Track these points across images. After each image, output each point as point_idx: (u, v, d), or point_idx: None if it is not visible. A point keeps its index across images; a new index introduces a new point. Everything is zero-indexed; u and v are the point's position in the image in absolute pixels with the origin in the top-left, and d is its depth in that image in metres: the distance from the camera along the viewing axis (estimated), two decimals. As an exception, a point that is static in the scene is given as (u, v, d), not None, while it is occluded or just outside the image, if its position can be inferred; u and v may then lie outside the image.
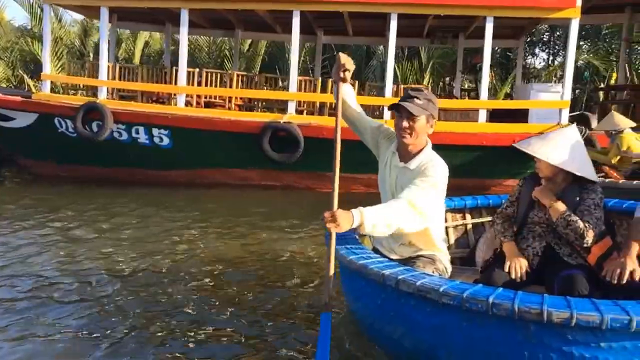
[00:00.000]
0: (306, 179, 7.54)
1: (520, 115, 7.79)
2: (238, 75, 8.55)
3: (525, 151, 2.44)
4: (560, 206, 2.36)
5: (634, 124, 5.84)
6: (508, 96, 13.77)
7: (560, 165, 2.38)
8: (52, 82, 8.38)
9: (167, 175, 7.75)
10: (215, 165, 7.65)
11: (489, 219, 3.34)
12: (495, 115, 7.73)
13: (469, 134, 7.30)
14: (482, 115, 7.58)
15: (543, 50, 16.72)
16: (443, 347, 1.90)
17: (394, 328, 2.03)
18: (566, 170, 2.40)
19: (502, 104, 8.53)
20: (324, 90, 8.07)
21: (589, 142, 6.99)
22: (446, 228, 3.24)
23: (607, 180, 5.16)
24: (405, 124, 2.34)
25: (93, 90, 8.53)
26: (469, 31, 9.94)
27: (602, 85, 13.52)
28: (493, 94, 14.11)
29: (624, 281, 2.17)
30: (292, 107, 7.68)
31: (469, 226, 3.37)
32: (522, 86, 10.06)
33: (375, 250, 2.52)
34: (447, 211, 3.25)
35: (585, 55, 14.32)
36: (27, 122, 7.71)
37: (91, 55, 15.18)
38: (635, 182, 4.99)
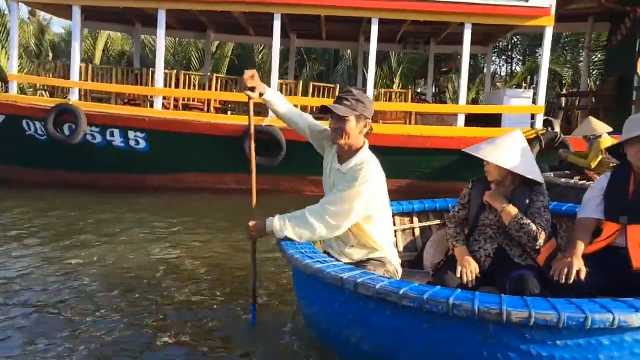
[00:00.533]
0: (289, 182, 7.48)
1: (494, 120, 7.99)
2: (217, 78, 8.40)
3: (477, 156, 2.44)
4: (512, 210, 2.38)
5: (610, 129, 6.05)
6: (474, 101, 14.07)
7: (512, 169, 2.40)
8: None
9: (144, 180, 7.55)
10: (194, 169, 7.50)
11: (437, 222, 3.39)
12: (469, 120, 7.94)
13: (449, 137, 7.45)
14: (461, 120, 7.75)
15: (500, 57, 17.25)
16: (403, 350, 1.87)
17: (352, 332, 1.98)
18: (515, 173, 2.42)
19: (481, 109, 8.68)
20: (305, 93, 8.09)
21: (563, 146, 7.30)
22: (395, 231, 3.25)
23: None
24: (336, 125, 2.38)
25: (62, 92, 8.25)
26: (440, 37, 10.13)
27: (564, 92, 13.93)
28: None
29: (571, 281, 2.20)
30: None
31: (417, 230, 3.39)
32: (494, 92, 10.29)
33: (327, 255, 2.49)
34: (395, 215, 3.27)
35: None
36: None
37: (50, 55, 14.69)
38: None
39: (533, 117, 7.96)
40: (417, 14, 7.64)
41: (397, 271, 2.48)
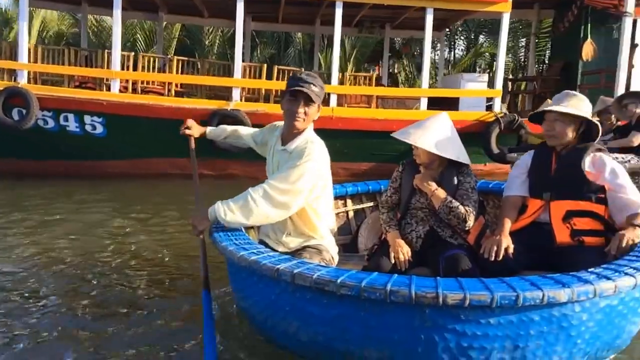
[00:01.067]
0: (253, 168, 7.41)
1: (452, 103, 8.16)
2: (178, 61, 8.12)
3: (407, 141, 2.46)
4: (441, 193, 2.43)
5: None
6: (430, 86, 14.43)
7: (441, 153, 2.43)
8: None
9: (101, 167, 7.21)
10: (155, 154, 7.22)
11: (370, 204, 3.43)
12: (428, 103, 8.14)
13: (413, 120, 7.48)
14: (424, 103, 7.96)
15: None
16: (341, 339, 1.85)
17: (289, 323, 1.95)
18: (441, 156, 2.46)
19: (443, 92, 8.77)
20: (269, 77, 8.02)
21: (521, 128, 7.72)
22: None
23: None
24: (301, 109, 2.33)
25: (8, 75, 7.68)
26: (396, 22, 10.26)
27: (509, 77, 14.48)
28: (412, 83, 14.65)
29: (500, 257, 2.27)
30: (237, 94, 7.56)
31: (351, 213, 3.41)
32: (450, 76, 10.66)
33: (263, 244, 2.45)
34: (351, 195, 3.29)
35: (489, 48, 15.40)
36: None
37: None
38: None
39: (489, 100, 8.31)
40: None
41: (333, 258, 2.47)
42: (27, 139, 6.88)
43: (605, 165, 2.43)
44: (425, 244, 2.51)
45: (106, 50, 7.84)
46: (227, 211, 2.21)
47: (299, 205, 2.30)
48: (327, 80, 8.17)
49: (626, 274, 1.82)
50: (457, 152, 2.49)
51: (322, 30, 11.14)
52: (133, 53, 8.09)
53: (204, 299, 2.16)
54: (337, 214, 3.38)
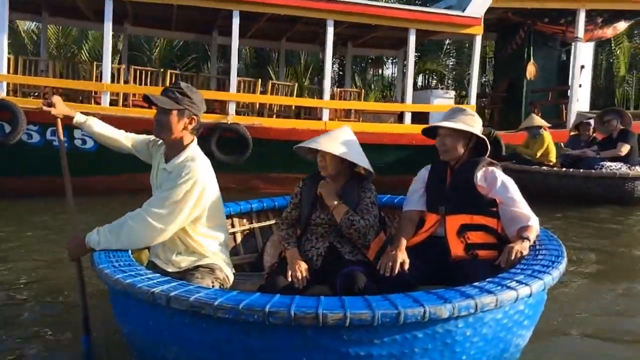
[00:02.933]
0: (253, 180, 7.44)
1: (422, 118, 8.63)
2: (171, 74, 8.00)
3: (314, 147, 2.45)
4: (343, 207, 2.41)
5: (548, 124, 7.45)
6: (381, 100, 15.23)
7: (351, 159, 2.43)
8: None
9: (88, 182, 6.68)
10: (148, 169, 6.79)
11: (275, 221, 3.36)
12: (400, 118, 8.64)
13: (401, 134, 8.08)
14: (408, 117, 8.46)
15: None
16: (223, 364, 1.73)
17: (168, 350, 1.81)
18: (345, 166, 2.48)
19: (424, 107, 9.12)
20: (263, 91, 8.25)
21: (496, 140, 8.16)
22: (234, 233, 3.19)
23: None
24: (156, 117, 2.26)
25: None
26: (359, 41, 10.72)
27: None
28: (366, 99, 15.24)
29: (395, 272, 2.26)
30: (232, 107, 7.63)
31: (257, 230, 3.33)
32: (420, 92, 11.13)
33: (152, 265, 2.31)
34: (233, 216, 3.22)
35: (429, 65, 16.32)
36: None
37: None
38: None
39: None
40: (376, 19, 8.21)
41: (227, 278, 2.36)
42: (6, 155, 6.48)
43: (496, 179, 2.48)
44: (325, 261, 2.46)
45: (95, 63, 7.65)
46: (102, 239, 2.12)
47: (178, 227, 2.21)
48: (319, 95, 8.57)
49: (508, 287, 1.83)
50: (364, 160, 2.51)
51: (287, 46, 11.63)
52: (124, 66, 7.97)
53: (83, 345, 1.97)
54: (242, 232, 3.30)
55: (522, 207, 2.44)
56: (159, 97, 2.21)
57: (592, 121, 7.37)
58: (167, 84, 7.73)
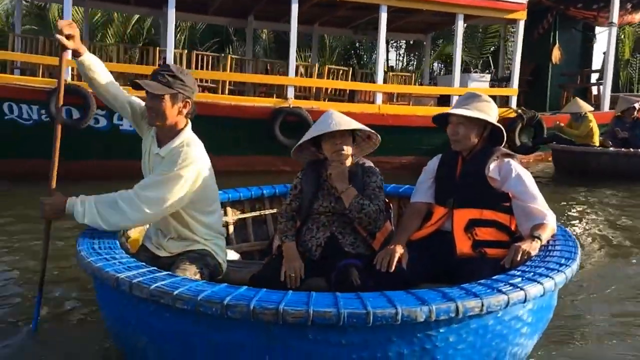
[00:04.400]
0: None
1: (446, 101, 8.94)
2: (232, 59, 8.22)
3: (341, 129, 2.27)
4: (353, 191, 2.28)
5: (592, 108, 8.00)
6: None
7: (375, 134, 2.37)
8: None
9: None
10: (214, 152, 7.10)
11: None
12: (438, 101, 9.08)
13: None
14: (455, 101, 8.85)
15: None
16: (188, 356, 1.66)
17: (137, 338, 1.77)
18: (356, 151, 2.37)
19: (478, 90, 9.51)
20: (320, 75, 8.54)
21: (539, 123, 8.69)
22: (244, 219, 3.11)
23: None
24: (149, 104, 2.16)
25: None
26: (392, 25, 10.75)
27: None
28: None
29: (392, 268, 2.10)
30: (291, 92, 7.80)
31: (269, 217, 3.24)
32: (449, 76, 11.46)
33: (144, 249, 2.27)
34: (245, 202, 3.15)
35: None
36: None
37: None
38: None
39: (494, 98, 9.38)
40: (426, 4, 8.47)
41: (220, 264, 2.29)
42: (71, 139, 6.75)
43: (511, 172, 2.26)
44: (324, 252, 2.34)
45: (158, 48, 7.90)
46: (87, 212, 2.05)
47: (168, 213, 2.15)
48: (372, 79, 8.86)
49: (498, 290, 1.64)
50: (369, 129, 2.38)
51: (321, 30, 11.79)
52: (186, 51, 8.15)
53: (37, 301, 1.97)
54: (253, 218, 3.23)
55: (538, 202, 2.21)
56: (149, 82, 2.11)
57: (637, 105, 7.79)
58: (227, 70, 8.16)
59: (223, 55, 8.75)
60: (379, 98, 8.31)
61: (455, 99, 8.36)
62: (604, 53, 9.88)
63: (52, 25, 13.71)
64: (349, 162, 2.35)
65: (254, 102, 7.65)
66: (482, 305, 1.57)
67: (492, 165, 2.27)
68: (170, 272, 1.78)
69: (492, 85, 10.39)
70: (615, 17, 9.12)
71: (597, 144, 7.74)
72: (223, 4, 9.44)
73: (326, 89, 8.40)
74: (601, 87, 9.87)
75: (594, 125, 7.69)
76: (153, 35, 14.90)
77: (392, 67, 17.06)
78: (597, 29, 10.59)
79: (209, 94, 7.55)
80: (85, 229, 2.14)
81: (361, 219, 2.26)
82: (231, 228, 3.17)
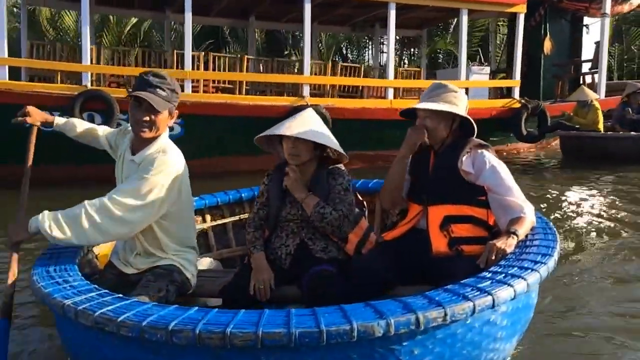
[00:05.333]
0: None
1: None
2: (248, 59, 8.50)
3: (286, 134, 2.16)
4: (312, 199, 2.17)
5: (597, 96, 8.57)
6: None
7: (328, 144, 2.19)
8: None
9: None
10: (233, 152, 7.19)
11: None
12: None
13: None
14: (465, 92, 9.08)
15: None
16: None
17: (91, 366, 1.69)
18: (317, 151, 2.23)
19: (482, 83, 9.83)
20: (333, 73, 8.75)
21: (543, 112, 8.99)
22: (224, 225, 3.02)
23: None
24: (146, 117, 2.03)
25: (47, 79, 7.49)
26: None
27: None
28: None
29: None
30: (307, 90, 7.98)
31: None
32: (450, 69, 12.18)
33: (111, 266, 2.19)
34: (223, 206, 3.07)
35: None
36: None
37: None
38: None
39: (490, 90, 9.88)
40: (430, 0, 8.71)
41: (189, 279, 2.19)
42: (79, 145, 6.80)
43: (485, 164, 2.14)
44: (294, 260, 2.24)
45: (175, 51, 7.92)
46: (54, 226, 1.88)
47: (147, 222, 2.03)
48: (383, 75, 8.98)
49: (464, 297, 1.53)
50: (335, 143, 2.24)
51: (319, 28, 12.00)
52: (203, 53, 8.36)
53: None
54: (233, 223, 3.15)
55: (514, 194, 2.09)
56: (153, 97, 1.99)
57: None
58: (244, 70, 8.37)
59: (239, 56, 8.96)
60: (391, 93, 8.41)
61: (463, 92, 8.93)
62: (596, 43, 10.44)
63: (42, 27, 13.71)
64: (312, 166, 2.25)
65: (273, 101, 7.70)
66: (446, 314, 1.47)
67: (465, 158, 2.15)
68: (121, 295, 1.69)
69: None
70: (607, 8, 9.64)
71: (602, 130, 8.13)
72: (226, 6, 9.53)
73: (338, 86, 8.56)
74: (595, 76, 10.42)
75: (599, 112, 8.08)
76: (151, 37, 14.82)
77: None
78: (587, 20, 11.11)
79: (227, 95, 7.68)
80: (48, 247, 2.06)
81: (324, 228, 2.16)
82: (211, 234, 3.09)
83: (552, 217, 4.69)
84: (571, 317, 2.66)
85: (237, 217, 3.15)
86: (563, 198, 5.75)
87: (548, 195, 5.87)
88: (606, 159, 7.58)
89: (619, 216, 4.75)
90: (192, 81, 7.51)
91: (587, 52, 11.60)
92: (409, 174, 2.32)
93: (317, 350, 1.44)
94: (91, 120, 6.61)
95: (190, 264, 2.23)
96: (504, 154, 9.14)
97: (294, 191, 2.21)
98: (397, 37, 16.35)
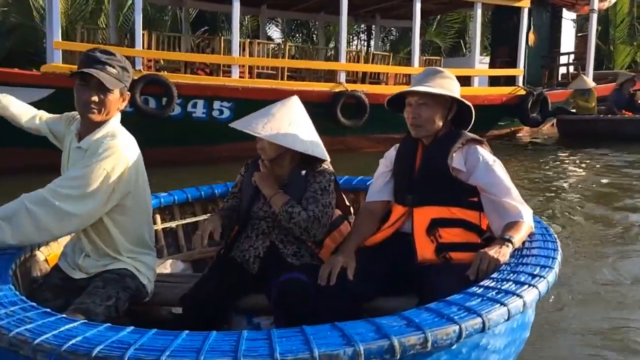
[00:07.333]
0: (367, 141, 8.16)
1: (465, 81, 9.25)
2: (290, 46, 8.95)
3: (247, 132, 1.95)
4: (282, 197, 1.94)
5: (595, 84, 9.76)
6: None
7: (288, 145, 1.93)
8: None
9: (215, 151, 7.14)
10: None
11: None
12: None
13: (472, 96, 8.35)
14: (476, 81, 9.67)
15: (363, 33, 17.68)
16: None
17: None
18: (290, 151, 1.97)
19: (493, 72, 10.66)
20: (366, 60, 9.49)
21: (545, 100, 9.76)
22: (195, 223, 2.82)
23: None
24: (94, 97, 1.80)
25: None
26: (392, 12, 11.50)
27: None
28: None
29: (333, 282, 1.78)
30: (343, 77, 8.26)
31: None
32: (461, 59, 12.76)
33: (57, 270, 1.95)
34: (195, 203, 2.86)
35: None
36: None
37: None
38: None
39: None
40: None
41: (144, 285, 1.94)
42: (146, 127, 6.56)
43: (478, 160, 1.89)
44: (263, 265, 2.01)
45: (222, 37, 8.40)
46: None
47: (94, 216, 1.78)
48: (384, 61, 9.53)
49: (450, 319, 1.29)
50: (309, 144, 1.98)
51: (325, 18, 12.03)
52: (248, 40, 8.67)
53: None
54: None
55: (511, 196, 1.84)
56: (104, 75, 1.77)
57: (635, 78, 9.70)
58: (286, 57, 8.71)
59: (281, 44, 9.41)
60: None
61: (476, 80, 9.38)
62: (578, 35, 12.06)
63: (33, 8, 13.28)
64: (288, 162, 2.02)
65: (313, 86, 7.98)
66: (426, 340, 1.23)
67: (456, 154, 1.91)
68: (48, 310, 1.43)
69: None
70: (596, 4, 10.66)
71: (596, 113, 9.59)
72: None
73: (372, 74, 9.06)
74: (577, 67, 11.41)
75: (594, 100, 9.53)
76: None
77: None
78: (566, 14, 11.87)
79: (271, 80, 7.93)
80: None
81: (292, 229, 1.94)
82: (181, 234, 2.85)
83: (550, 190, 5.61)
84: (565, 313, 2.44)
85: (209, 215, 2.90)
86: (561, 174, 6.85)
87: (548, 171, 6.95)
88: (598, 138, 8.76)
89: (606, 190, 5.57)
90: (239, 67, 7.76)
91: (566, 44, 12.48)
92: (393, 172, 2.08)
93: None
94: (146, 104, 6.72)
95: (146, 268, 1.98)
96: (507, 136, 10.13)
97: (262, 187, 1.99)
98: (394, 28, 16.40)
